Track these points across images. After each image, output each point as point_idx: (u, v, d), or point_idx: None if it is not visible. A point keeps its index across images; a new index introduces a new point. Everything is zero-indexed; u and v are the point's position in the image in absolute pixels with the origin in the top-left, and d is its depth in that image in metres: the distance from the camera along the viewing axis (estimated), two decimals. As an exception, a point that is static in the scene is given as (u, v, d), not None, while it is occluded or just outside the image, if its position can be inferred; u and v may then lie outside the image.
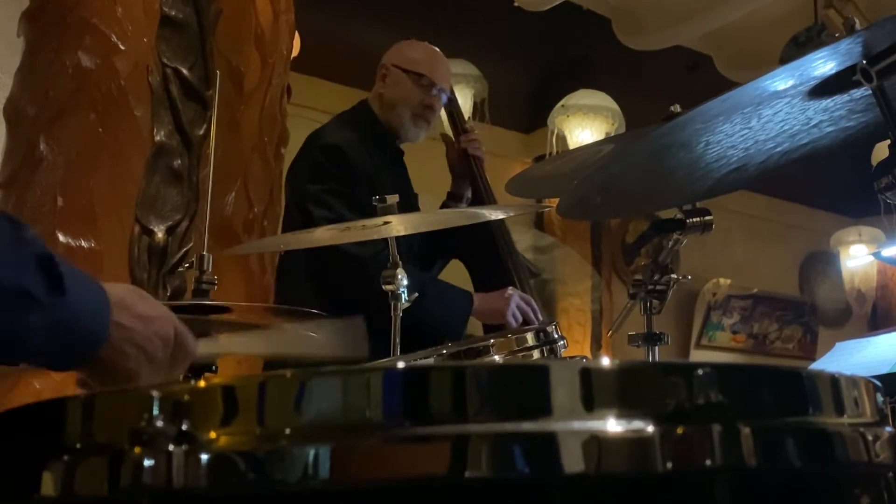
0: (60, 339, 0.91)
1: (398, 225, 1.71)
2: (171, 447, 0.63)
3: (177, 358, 1.04)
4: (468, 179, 2.79)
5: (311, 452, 0.63)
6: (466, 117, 3.19)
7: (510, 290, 2.53)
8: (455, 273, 2.81)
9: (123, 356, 0.97)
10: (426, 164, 2.83)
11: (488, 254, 2.68)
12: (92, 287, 0.96)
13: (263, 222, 2.85)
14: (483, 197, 2.76)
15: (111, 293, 0.97)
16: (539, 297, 2.66)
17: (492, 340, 1.50)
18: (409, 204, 2.59)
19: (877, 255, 6.27)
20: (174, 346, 1.03)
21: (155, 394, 0.67)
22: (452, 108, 2.91)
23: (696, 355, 6.39)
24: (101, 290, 0.96)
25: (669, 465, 0.64)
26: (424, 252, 2.63)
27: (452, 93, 2.89)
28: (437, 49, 2.77)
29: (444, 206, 2.79)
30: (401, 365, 1.17)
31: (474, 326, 2.58)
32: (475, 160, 2.79)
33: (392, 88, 2.66)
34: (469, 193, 2.81)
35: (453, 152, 2.83)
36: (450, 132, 2.91)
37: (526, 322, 2.50)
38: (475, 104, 5.20)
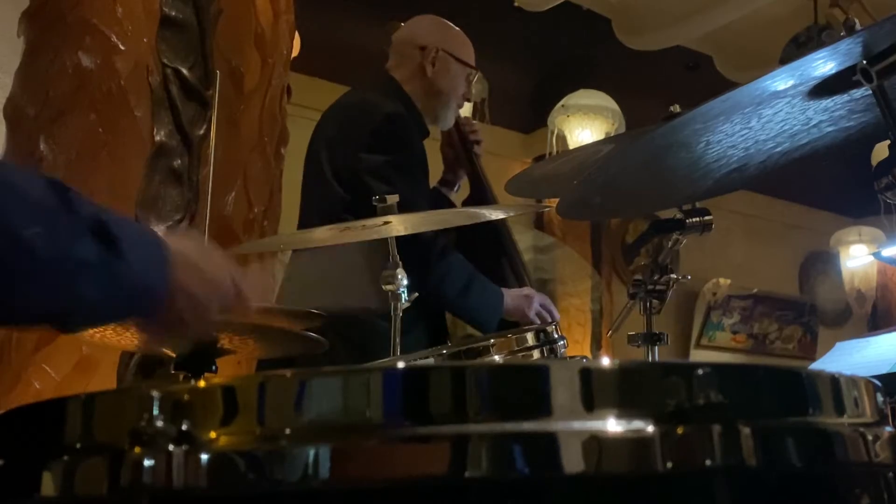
0: (118, 301, 0.91)
1: (398, 225, 1.71)
2: (171, 447, 0.63)
3: (236, 309, 1.05)
4: (466, 171, 2.76)
5: (311, 452, 0.63)
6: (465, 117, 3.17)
7: (531, 289, 2.52)
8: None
9: (177, 312, 0.97)
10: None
11: (488, 251, 2.67)
12: (151, 244, 0.94)
13: (263, 222, 2.85)
14: (485, 189, 2.74)
15: (171, 249, 0.96)
16: (540, 296, 2.66)
17: (492, 340, 1.50)
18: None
19: (877, 255, 6.27)
20: (232, 299, 1.04)
21: (155, 394, 0.67)
22: None
23: (696, 355, 6.39)
24: (160, 246, 0.95)
25: (669, 465, 0.64)
26: None
27: None
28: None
29: (433, 190, 2.75)
30: (401, 365, 1.17)
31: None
32: (475, 156, 2.76)
33: (443, 75, 2.55)
34: (460, 181, 2.77)
35: (448, 145, 2.80)
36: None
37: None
38: (475, 104, 5.20)
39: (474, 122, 2.90)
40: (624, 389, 0.67)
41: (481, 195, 2.74)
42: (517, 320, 2.45)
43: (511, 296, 2.46)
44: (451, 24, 2.69)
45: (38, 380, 2.33)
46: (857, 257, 6.64)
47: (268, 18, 2.91)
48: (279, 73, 2.95)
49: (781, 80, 1.15)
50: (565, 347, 1.59)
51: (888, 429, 0.76)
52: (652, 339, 1.69)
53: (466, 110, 4.93)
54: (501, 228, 2.68)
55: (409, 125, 2.41)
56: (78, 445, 0.71)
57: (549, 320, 2.47)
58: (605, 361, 0.71)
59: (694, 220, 1.65)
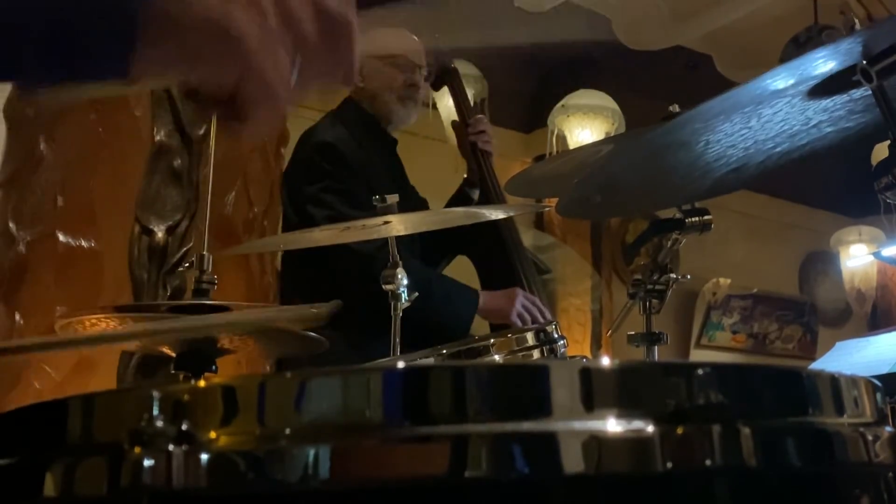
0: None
1: (398, 225, 1.71)
2: (171, 447, 0.63)
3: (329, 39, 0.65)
4: (474, 170, 2.77)
5: (311, 452, 0.63)
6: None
7: (516, 290, 2.51)
8: (461, 270, 2.80)
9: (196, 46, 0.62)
10: (420, 163, 2.82)
11: (495, 250, 2.67)
12: None
13: (263, 222, 2.85)
14: (490, 193, 2.74)
15: None
16: (543, 295, 2.65)
17: (492, 340, 1.50)
18: (406, 196, 2.58)
19: (877, 255, 6.27)
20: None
21: (155, 394, 0.67)
22: (458, 96, 2.90)
23: (696, 355, 6.38)
24: None
25: (669, 465, 0.64)
26: (429, 249, 2.62)
27: (459, 82, 2.88)
28: (401, 28, 2.72)
29: (459, 191, 2.78)
30: (401, 365, 1.17)
31: (482, 326, 2.56)
32: (483, 154, 2.77)
33: (370, 78, 2.63)
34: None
35: (463, 141, 2.81)
36: (458, 119, 2.89)
37: (532, 322, 2.48)
38: (475, 104, 5.19)
39: (482, 118, 2.89)
40: (624, 389, 0.67)
41: (486, 195, 2.74)
42: (500, 322, 2.46)
43: (491, 297, 2.46)
44: (376, 28, 2.74)
45: (38, 380, 2.33)
46: (857, 257, 6.63)
47: (268, 18, 2.90)
48: (279, 72, 2.95)
49: (781, 80, 1.15)
50: (565, 347, 1.59)
51: (888, 429, 0.76)
52: (652, 339, 1.69)
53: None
54: (506, 229, 2.68)
55: (341, 149, 2.51)
56: (78, 445, 0.71)
57: (538, 316, 2.48)
58: (605, 361, 0.71)
59: (693, 219, 1.66)
